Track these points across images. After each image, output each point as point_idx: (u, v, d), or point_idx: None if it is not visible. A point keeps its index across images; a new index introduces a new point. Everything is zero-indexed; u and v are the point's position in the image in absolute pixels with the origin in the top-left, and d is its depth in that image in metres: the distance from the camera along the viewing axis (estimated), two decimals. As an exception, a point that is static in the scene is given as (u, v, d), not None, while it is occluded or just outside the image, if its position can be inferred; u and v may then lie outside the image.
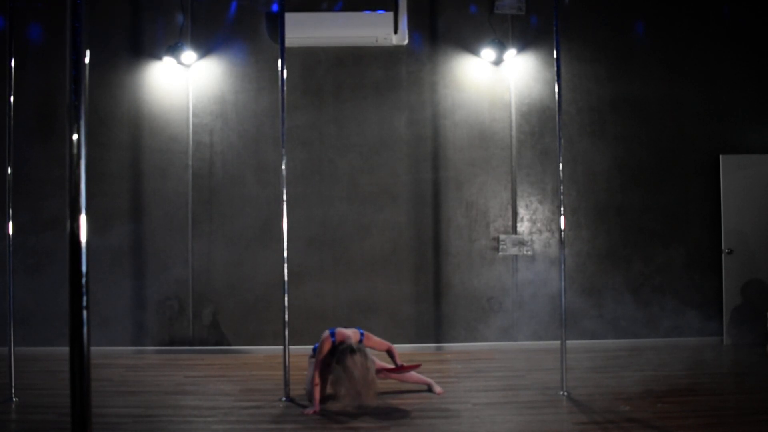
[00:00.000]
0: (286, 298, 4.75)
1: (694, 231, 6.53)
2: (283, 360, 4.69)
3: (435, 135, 6.48)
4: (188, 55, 6.28)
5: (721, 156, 6.47)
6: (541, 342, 6.37)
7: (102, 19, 6.33)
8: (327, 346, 4.48)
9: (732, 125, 6.57)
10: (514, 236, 6.45)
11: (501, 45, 6.35)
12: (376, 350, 4.80)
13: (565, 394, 4.70)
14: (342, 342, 4.41)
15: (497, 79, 6.52)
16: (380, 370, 4.74)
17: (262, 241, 6.36)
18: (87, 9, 1.62)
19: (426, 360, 5.65)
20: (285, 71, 4.82)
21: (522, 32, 6.53)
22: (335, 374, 4.31)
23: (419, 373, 4.95)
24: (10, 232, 4.77)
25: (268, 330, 6.32)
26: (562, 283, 4.82)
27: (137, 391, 4.93)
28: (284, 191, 4.80)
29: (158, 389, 5.00)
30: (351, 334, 4.55)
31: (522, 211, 6.50)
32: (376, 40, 6.28)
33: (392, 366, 4.83)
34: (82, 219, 1.60)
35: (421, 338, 6.39)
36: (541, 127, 6.50)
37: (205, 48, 6.43)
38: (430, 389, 4.85)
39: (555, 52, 4.89)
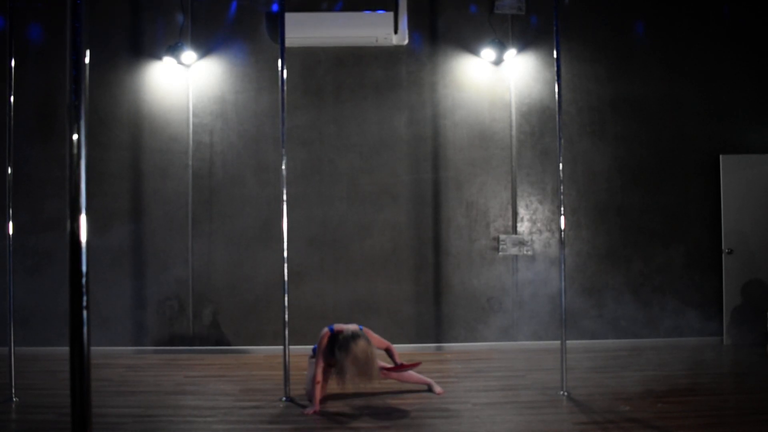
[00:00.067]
0: (286, 298, 4.75)
1: (694, 231, 6.53)
2: (283, 360, 4.68)
3: (435, 135, 6.48)
4: (188, 55, 6.29)
5: (721, 156, 6.47)
6: (541, 342, 6.37)
7: (102, 19, 6.33)
8: (326, 340, 4.50)
9: (732, 125, 6.57)
10: (514, 236, 6.45)
11: (501, 45, 6.35)
12: (376, 347, 4.81)
13: (565, 394, 4.70)
14: (341, 332, 4.43)
15: (497, 79, 6.52)
16: (380, 369, 4.75)
17: (262, 240, 6.36)
18: (87, 9, 1.62)
19: (426, 360, 5.65)
20: (285, 71, 4.82)
21: (522, 32, 6.53)
22: (338, 358, 4.29)
23: (419, 373, 4.95)
24: (10, 232, 4.77)
25: (268, 330, 6.32)
26: (562, 283, 4.82)
27: (137, 391, 4.93)
28: (284, 191, 4.80)
29: (158, 389, 5.00)
30: (351, 329, 4.58)
31: (522, 211, 6.50)
32: (376, 40, 6.28)
33: (392, 365, 4.83)
34: (82, 219, 1.59)
35: (421, 338, 6.39)
36: (541, 127, 6.51)
37: (205, 48, 6.44)
38: (430, 389, 4.85)
39: (555, 52, 4.88)
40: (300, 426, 4.15)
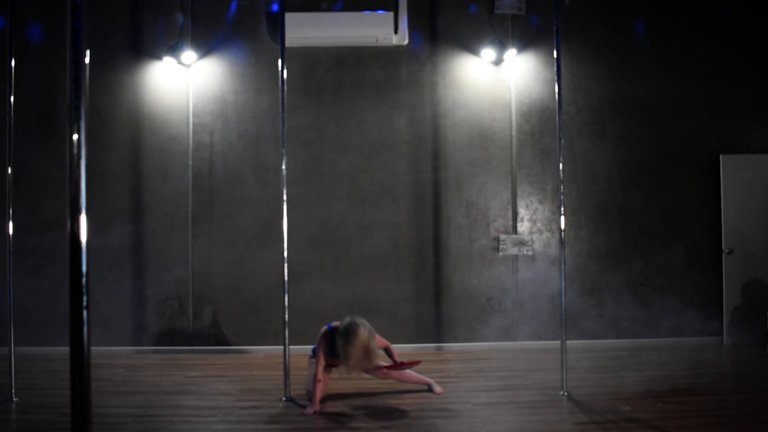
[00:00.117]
0: (286, 298, 4.75)
1: (694, 231, 6.53)
2: (283, 360, 4.68)
3: (435, 135, 6.48)
4: (188, 55, 6.29)
5: (721, 156, 6.47)
6: (541, 342, 6.37)
7: (102, 19, 6.33)
8: (325, 338, 4.52)
9: (732, 125, 6.57)
10: (514, 236, 6.45)
11: (501, 45, 6.35)
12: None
13: (565, 394, 4.70)
14: (337, 328, 4.46)
15: (497, 79, 6.52)
16: (380, 367, 4.76)
17: (262, 240, 6.36)
18: (87, 9, 1.62)
19: (426, 360, 5.65)
20: (285, 71, 4.82)
21: (522, 32, 6.53)
22: (340, 344, 4.35)
23: (419, 373, 4.95)
24: (11, 232, 4.77)
25: (268, 330, 6.32)
26: (562, 283, 4.82)
27: (137, 391, 4.93)
28: (284, 191, 4.80)
29: (158, 389, 5.00)
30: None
31: (522, 211, 6.50)
32: (377, 40, 6.28)
33: (391, 363, 4.83)
34: (82, 219, 1.59)
35: (421, 338, 6.39)
36: (541, 127, 6.51)
37: (205, 48, 6.44)
38: (430, 389, 4.85)
39: (555, 52, 4.89)
40: (300, 426, 4.15)
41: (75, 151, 1.59)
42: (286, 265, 4.78)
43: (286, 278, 4.76)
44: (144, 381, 5.29)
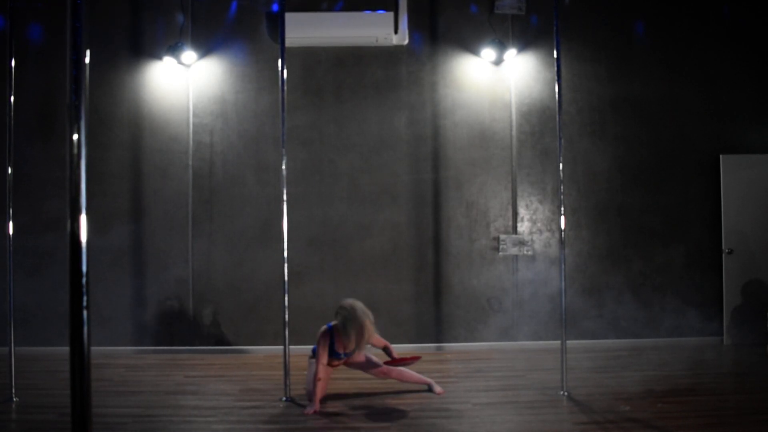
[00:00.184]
0: (286, 298, 4.75)
1: (695, 231, 6.53)
2: (284, 360, 4.68)
3: (435, 135, 6.48)
4: (188, 55, 6.29)
5: (721, 156, 6.46)
6: (541, 342, 6.37)
7: (102, 19, 6.33)
8: (326, 339, 4.55)
9: (732, 125, 6.57)
10: (514, 236, 6.45)
11: (501, 45, 6.35)
12: (373, 345, 4.83)
13: (565, 394, 4.70)
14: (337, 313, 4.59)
15: (497, 79, 6.52)
16: (379, 365, 4.77)
17: (262, 240, 6.36)
18: (87, 9, 1.62)
19: (426, 360, 5.65)
20: (285, 71, 4.82)
21: (522, 32, 6.53)
22: (340, 324, 4.52)
23: (419, 373, 4.95)
24: (11, 232, 4.77)
25: (268, 330, 6.32)
26: (563, 283, 4.82)
27: (137, 391, 4.93)
28: (284, 191, 4.80)
29: (158, 389, 5.00)
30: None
31: (522, 211, 6.50)
32: (377, 40, 6.28)
33: (390, 361, 4.81)
34: (82, 219, 1.60)
35: (421, 338, 6.39)
36: (541, 127, 6.51)
37: (206, 48, 6.44)
38: (430, 389, 4.85)
39: (555, 52, 4.89)
40: (300, 426, 4.15)
41: (75, 151, 1.59)
42: (286, 265, 4.78)
43: (286, 278, 4.76)
44: (144, 381, 5.29)
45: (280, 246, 4.81)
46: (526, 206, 6.50)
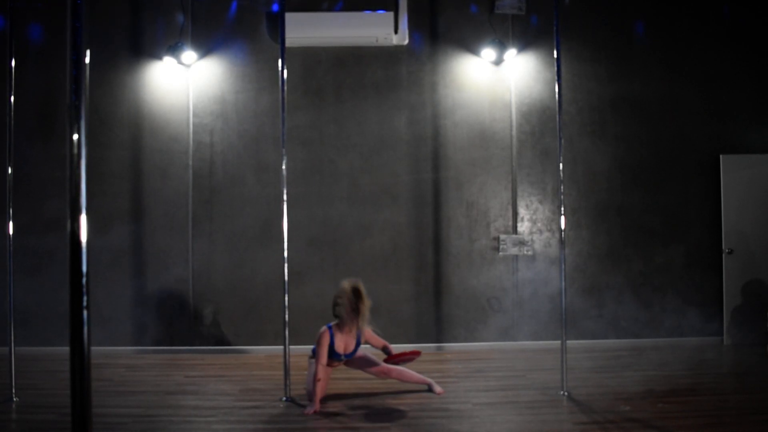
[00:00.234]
0: (286, 298, 4.75)
1: (695, 231, 6.53)
2: (284, 360, 4.69)
3: (435, 135, 6.48)
4: (188, 55, 6.29)
5: (721, 156, 6.46)
6: (541, 342, 6.37)
7: (102, 19, 6.33)
8: (326, 339, 4.54)
9: (732, 125, 6.57)
10: (514, 236, 6.45)
11: (501, 45, 6.35)
12: (372, 345, 4.83)
13: (565, 394, 4.69)
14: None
15: (497, 79, 6.52)
16: (379, 364, 4.77)
17: (262, 240, 6.36)
18: (87, 9, 1.62)
19: (426, 360, 5.65)
20: (285, 71, 4.82)
21: (522, 32, 6.53)
22: (336, 302, 4.67)
23: (419, 373, 4.95)
24: (11, 232, 4.77)
25: (268, 330, 6.32)
26: (563, 283, 4.82)
27: (137, 391, 4.93)
28: (284, 191, 4.80)
29: (158, 389, 5.00)
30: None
31: (522, 211, 6.50)
32: (377, 40, 6.28)
33: (390, 357, 4.79)
34: (83, 219, 1.60)
35: (421, 338, 6.39)
36: (541, 127, 6.51)
37: (206, 48, 6.44)
38: (430, 389, 4.85)
39: (555, 52, 4.89)
40: (300, 426, 4.15)
41: (75, 151, 1.60)
42: (286, 265, 4.78)
43: (286, 278, 4.77)
44: (144, 381, 5.29)
45: (280, 246, 4.81)
46: (526, 206, 6.50)
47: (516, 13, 6.41)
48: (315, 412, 4.36)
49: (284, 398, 4.67)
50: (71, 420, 1.58)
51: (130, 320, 6.33)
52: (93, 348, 1.68)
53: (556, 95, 4.89)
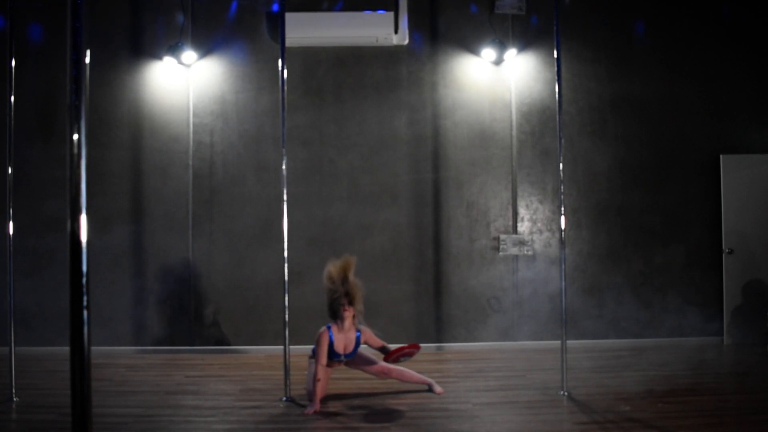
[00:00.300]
0: (286, 298, 4.75)
1: (695, 231, 6.53)
2: (284, 360, 4.69)
3: (435, 135, 6.48)
4: (188, 55, 6.29)
5: (721, 156, 6.46)
6: (541, 342, 6.37)
7: (102, 19, 6.33)
8: (325, 339, 4.54)
9: (732, 125, 6.57)
10: (514, 236, 6.45)
11: (501, 45, 6.35)
12: (370, 345, 4.83)
13: (565, 394, 4.69)
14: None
15: (497, 79, 6.52)
16: (378, 363, 4.77)
17: (262, 240, 6.36)
18: (87, 9, 1.62)
19: (426, 360, 5.65)
20: (285, 71, 4.82)
21: (522, 32, 6.53)
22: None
23: (420, 373, 4.95)
24: (11, 232, 4.77)
25: (268, 330, 6.32)
26: (563, 283, 4.82)
27: (137, 391, 4.93)
28: (284, 191, 4.80)
29: (158, 389, 5.00)
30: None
31: (522, 211, 6.50)
32: (377, 40, 6.28)
33: (390, 353, 4.78)
34: (83, 219, 1.60)
35: (421, 338, 6.38)
36: (541, 127, 6.51)
37: (206, 48, 6.44)
38: (430, 389, 4.85)
39: (555, 52, 4.88)
40: (300, 426, 4.15)
41: (75, 151, 1.60)
42: (286, 264, 4.78)
43: (286, 278, 4.77)
44: (144, 381, 5.29)
45: (280, 246, 4.81)
46: (527, 206, 6.50)
47: (516, 13, 6.42)
48: (315, 412, 4.36)
49: (284, 398, 4.67)
50: (71, 420, 1.58)
51: (130, 320, 6.33)
52: (93, 348, 1.68)
53: (556, 95, 4.89)
